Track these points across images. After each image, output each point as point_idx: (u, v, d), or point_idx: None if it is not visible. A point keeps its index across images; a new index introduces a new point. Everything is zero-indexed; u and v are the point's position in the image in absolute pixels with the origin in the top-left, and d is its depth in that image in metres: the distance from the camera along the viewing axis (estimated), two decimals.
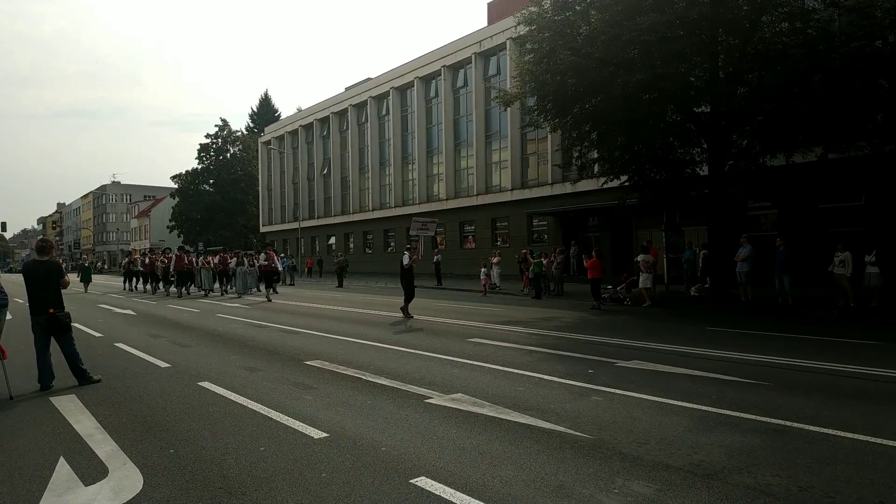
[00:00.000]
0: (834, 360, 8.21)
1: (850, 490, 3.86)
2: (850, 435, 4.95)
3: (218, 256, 25.84)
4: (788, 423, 5.28)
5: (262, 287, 22.92)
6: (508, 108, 25.34)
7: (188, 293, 24.31)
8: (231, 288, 24.84)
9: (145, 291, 27.05)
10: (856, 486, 3.93)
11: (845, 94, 13.91)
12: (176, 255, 25.16)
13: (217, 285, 25.14)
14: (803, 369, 7.78)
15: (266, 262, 22.20)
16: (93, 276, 32.84)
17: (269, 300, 20.37)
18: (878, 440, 4.81)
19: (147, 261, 27.39)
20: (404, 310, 14.52)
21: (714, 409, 5.77)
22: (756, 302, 16.03)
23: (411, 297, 14.66)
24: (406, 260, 14.67)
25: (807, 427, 5.17)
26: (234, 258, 25.10)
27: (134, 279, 29.56)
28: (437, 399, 6.30)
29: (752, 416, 5.51)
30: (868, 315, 13.54)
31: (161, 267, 25.24)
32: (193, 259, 25.86)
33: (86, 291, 27.71)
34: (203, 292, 24.75)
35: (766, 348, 9.29)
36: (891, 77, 14.06)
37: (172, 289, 24.68)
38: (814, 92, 14.00)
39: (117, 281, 37.56)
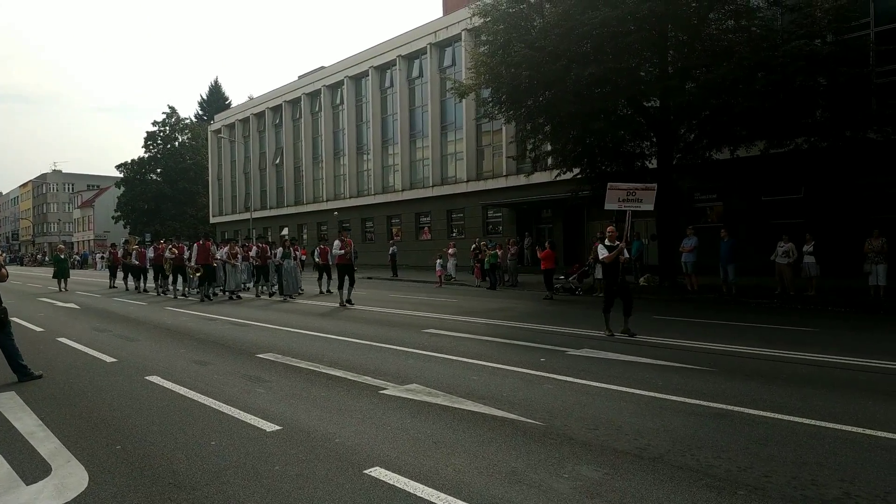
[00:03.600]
0: (774, 347, 8.58)
1: (785, 469, 4.06)
2: (787, 417, 5.19)
3: (255, 248, 19.65)
4: (729, 408, 5.51)
5: (325, 286, 19.24)
6: (463, 100, 25.34)
7: (214, 295, 18.33)
8: (270, 288, 19.21)
9: (144, 291, 21.00)
10: (791, 465, 4.14)
11: (786, 91, 14.47)
12: (198, 245, 18.52)
13: (251, 285, 19.92)
14: (745, 356, 8.10)
15: (342, 253, 15.78)
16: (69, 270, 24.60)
17: (351, 303, 15.24)
18: (813, 422, 5.06)
19: (153, 254, 21.18)
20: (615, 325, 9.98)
21: (660, 395, 5.97)
22: (701, 291, 16.58)
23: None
24: (603, 253, 9.92)
25: (747, 410, 5.40)
26: (280, 249, 18.74)
27: (125, 275, 23.30)
28: (391, 390, 6.32)
29: (696, 401, 5.72)
30: (806, 303, 14.16)
31: (170, 259, 19.51)
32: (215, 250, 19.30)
33: (61, 290, 22.12)
34: (227, 294, 18.71)
35: (710, 336, 9.63)
36: (829, 75, 14.68)
37: (193, 289, 19.15)
38: (757, 88, 14.52)
39: (87, 277, 34.18)
